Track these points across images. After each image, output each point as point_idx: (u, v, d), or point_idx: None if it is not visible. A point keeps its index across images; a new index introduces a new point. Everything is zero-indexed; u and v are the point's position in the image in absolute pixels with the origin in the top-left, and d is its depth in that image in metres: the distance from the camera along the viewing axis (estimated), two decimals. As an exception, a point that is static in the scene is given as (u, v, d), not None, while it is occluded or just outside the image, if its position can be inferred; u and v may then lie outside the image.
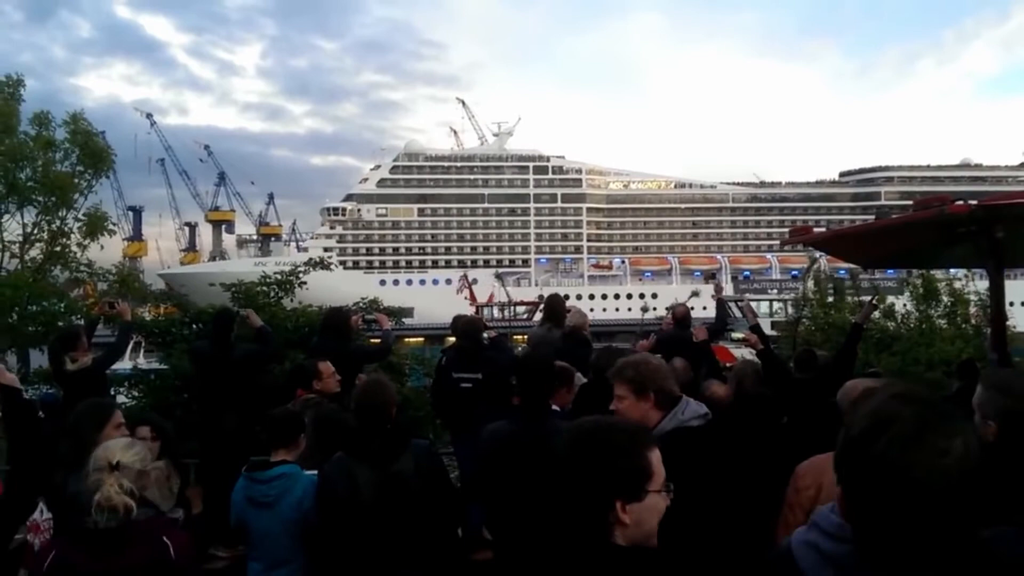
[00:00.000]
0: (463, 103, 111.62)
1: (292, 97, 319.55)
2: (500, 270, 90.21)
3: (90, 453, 3.60)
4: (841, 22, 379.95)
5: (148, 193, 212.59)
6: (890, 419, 1.33)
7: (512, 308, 71.47)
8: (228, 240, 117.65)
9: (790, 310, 29.46)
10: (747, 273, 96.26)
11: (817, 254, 26.08)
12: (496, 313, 70.05)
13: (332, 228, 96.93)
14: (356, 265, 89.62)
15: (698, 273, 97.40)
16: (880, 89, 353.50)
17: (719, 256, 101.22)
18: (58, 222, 16.00)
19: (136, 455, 2.97)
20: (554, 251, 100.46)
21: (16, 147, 15.41)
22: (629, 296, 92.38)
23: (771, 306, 52.70)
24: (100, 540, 2.74)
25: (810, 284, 27.73)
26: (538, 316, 16.55)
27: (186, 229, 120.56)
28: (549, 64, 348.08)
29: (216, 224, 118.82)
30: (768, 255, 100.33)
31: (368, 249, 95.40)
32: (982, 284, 9.90)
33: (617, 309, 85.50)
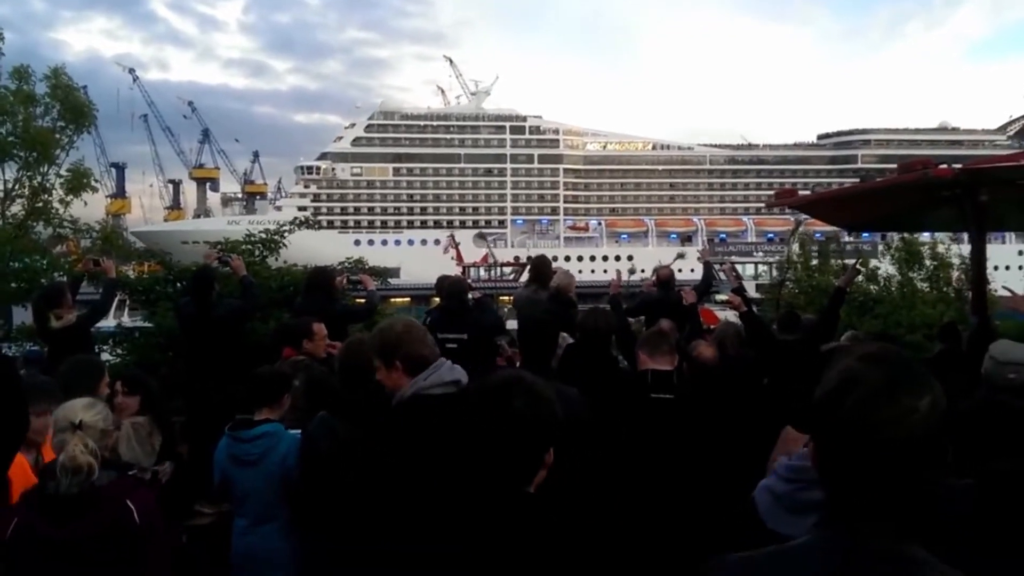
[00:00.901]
0: (451, 61, 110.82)
1: (275, 53, 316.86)
2: (484, 230, 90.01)
3: None
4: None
5: (131, 150, 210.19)
6: (857, 379, 1.37)
7: (499, 269, 71.52)
8: (213, 198, 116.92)
9: (775, 273, 29.61)
10: (723, 236, 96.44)
11: (801, 217, 26.17)
12: (482, 274, 70.12)
13: (306, 187, 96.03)
14: (331, 224, 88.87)
15: (674, 236, 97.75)
16: (868, 51, 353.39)
17: (695, 219, 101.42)
18: (39, 178, 15.80)
19: (98, 414, 2.96)
20: (530, 212, 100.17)
21: (-5, 101, 15.17)
22: (605, 258, 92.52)
23: (756, 269, 52.98)
24: (62, 505, 2.71)
25: (795, 247, 27.86)
26: (524, 278, 16.57)
27: (170, 187, 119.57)
28: (537, 23, 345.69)
29: (200, 182, 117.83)
30: (744, 218, 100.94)
31: (343, 208, 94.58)
32: (965, 248, 9.95)
33: (593, 271, 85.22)
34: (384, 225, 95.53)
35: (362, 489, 3.25)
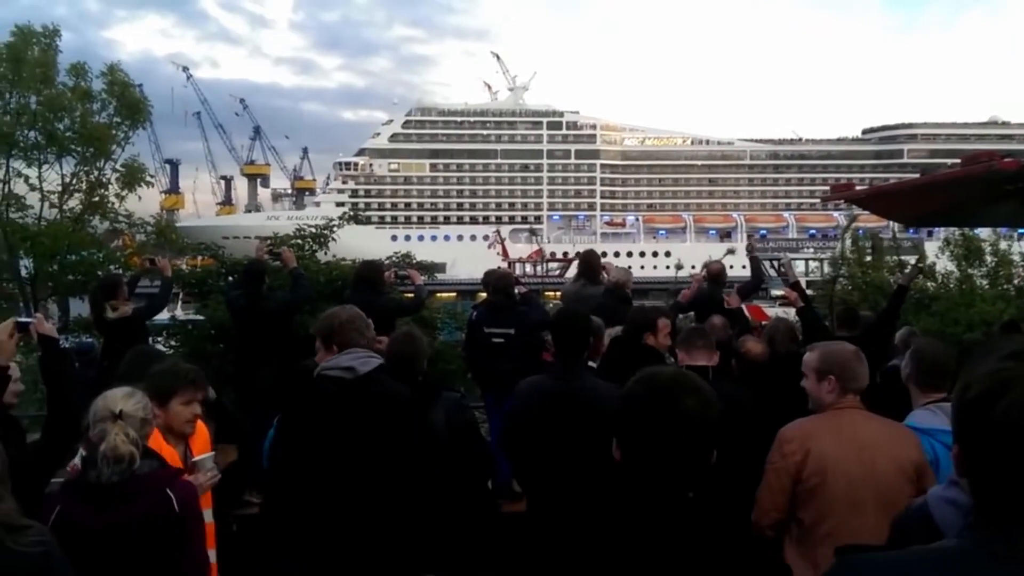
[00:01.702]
0: (497, 57, 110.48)
1: (323, 51, 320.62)
2: (532, 226, 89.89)
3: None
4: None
5: (184, 146, 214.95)
6: (1011, 379, 1.29)
7: (544, 264, 71.43)
8: (263, 194, 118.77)
9: (826, 269, 29.06)
10: (763, 232, 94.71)
11: (855, 211, 25.62)
12: (528, 269, 70.12)
13: (344, 183, 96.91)
14: (368, 220, 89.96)
15: (713, 232, 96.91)
16: (923, 43, 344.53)
17: (735, 214, 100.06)
18: (96, 173, 16.16)
19: (138, 403, 2.98)
20: (567, 208, 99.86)
21: (54, 97, 15.52)
22: (642, 254, 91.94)
23: (806, 265, 52.11)
24: (104, 494, 2.75)
25: (847, 243, 27.32)
26: (570, 273, 16.46)
27: (222, 183, 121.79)
28: (579, 17, 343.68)
29: (251, 178, 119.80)
30: (785, 214, 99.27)
31: (380, 204, 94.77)
32: (1028, 244, 9.68)
33: (630, 267, 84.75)
34: (421, 221, 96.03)
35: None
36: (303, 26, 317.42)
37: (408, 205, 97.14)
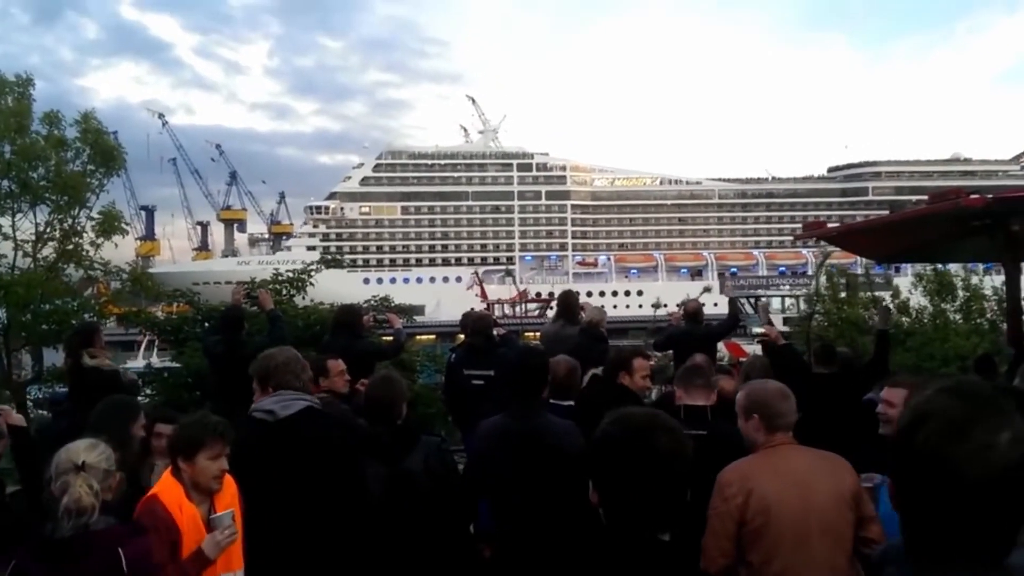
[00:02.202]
0: (473, 100, 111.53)
1: (299, 96, 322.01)
2: (508, 267, 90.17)
3: (125, 448, 3.64)
4: (850, 13, 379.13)
5: (160, 192, 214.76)
6: (933, 412, 1.31)
7: (524, 305, 71.49)
8: (240, 239, 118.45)
9: (802, 306, 29.32)
10: (734, 270, 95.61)
11: (828, 249, 25.91)
12: (508, 310, 70.11)
13: (315, 227, 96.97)
14: (340, 264, 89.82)
15: (684, 270, 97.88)
16: (890, 81, 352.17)
17: (705, 253, 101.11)
18: (71, 221, 16.03)
19: (101, 455, 2.94)
20: (539, 248, 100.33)
21: (28, 146, 15.44)
22: (615, 293, 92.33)
23: (782, 302, 52.54)
24: (57, 549, 2.71)
25: (822, 280, 27.60)
26: (549, 313, 16.48)
27: (198, 228, 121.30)
28: (549, 60, 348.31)
29: (228, 223, 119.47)
30: (755, 251, 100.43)
31: (352, 248, 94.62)
32: (1000, 279, 9.81)
33: (603, 306, 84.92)
34: (393, 263, 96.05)
35: None
36: (278, 72, 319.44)
37: (380, 248, 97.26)
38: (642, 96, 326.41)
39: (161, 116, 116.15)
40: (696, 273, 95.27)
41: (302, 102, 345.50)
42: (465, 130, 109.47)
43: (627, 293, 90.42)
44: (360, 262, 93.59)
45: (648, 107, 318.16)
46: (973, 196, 4.80)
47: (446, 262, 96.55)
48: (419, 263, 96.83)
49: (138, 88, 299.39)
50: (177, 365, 10.65)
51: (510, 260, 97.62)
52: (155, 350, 17.61)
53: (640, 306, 65.75)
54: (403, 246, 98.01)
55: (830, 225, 7.60)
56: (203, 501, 3.34)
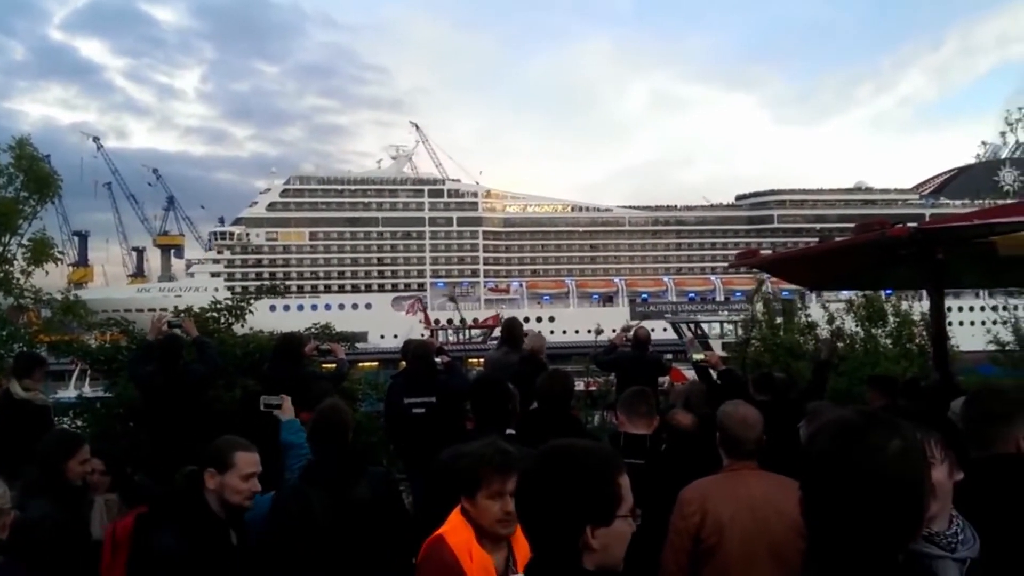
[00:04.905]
0: (416, 127, 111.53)
1: (235, 120, 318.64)
2: (455, 291, 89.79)
3: (59, 480, 3.56)
4: (785, 49, 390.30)
5: (94, 218, 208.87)
6: (833, 421, 1.46)
7: (467, 331, 71.31)
8: (177, 264, 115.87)
9: (740, 332, 29.83)
10: (645, 296, 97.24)
11: (763, 276, 26.43)
12: (451, 336, 69.84)
13: (220, 253, 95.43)
14: (245, 291, 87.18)
15: (596, 296, 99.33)
16: (816, 116, 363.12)
17: (616, 279, 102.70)
18: (1, 248, 15.57)
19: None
20: (451, 275, 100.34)
21: (-44, 173, 15.01)
22: (527, 320, 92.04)
23: (721, 328, 53.28)
24: None
25: (758, 306, 28.09)
26: (493, 341, 16.48)
27: (133, 254, 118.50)
28: (495, 90, 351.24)
29: (165, 248, 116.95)
30: (665, 278, 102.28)
31: (258, 274, 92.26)
32: (927, 304, 10.21)
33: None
34: (300, 290, 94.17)
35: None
36: (213, 96, 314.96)
37: (287, 275, 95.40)
38: (558, 128, 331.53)
39: (96, 139, 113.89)
40: (607, 299, 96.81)
41: (238, 127, 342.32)
42: (409, 158, 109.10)
43: (539, 319, 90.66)
44: (265, 289, 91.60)
45: (563, 137, 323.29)
46: (898, 226, 4.99)
47: (355, 288, 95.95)
48: (328, 289, 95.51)
49: (67, 112, 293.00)
50: (109, 395, 10.35)
51: (421, 287, 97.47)
52: (87, 379, 17.06)
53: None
54: (311, 272, 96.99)
55: (762, 252, 7.82)
56: (496, 549, 2.81)
